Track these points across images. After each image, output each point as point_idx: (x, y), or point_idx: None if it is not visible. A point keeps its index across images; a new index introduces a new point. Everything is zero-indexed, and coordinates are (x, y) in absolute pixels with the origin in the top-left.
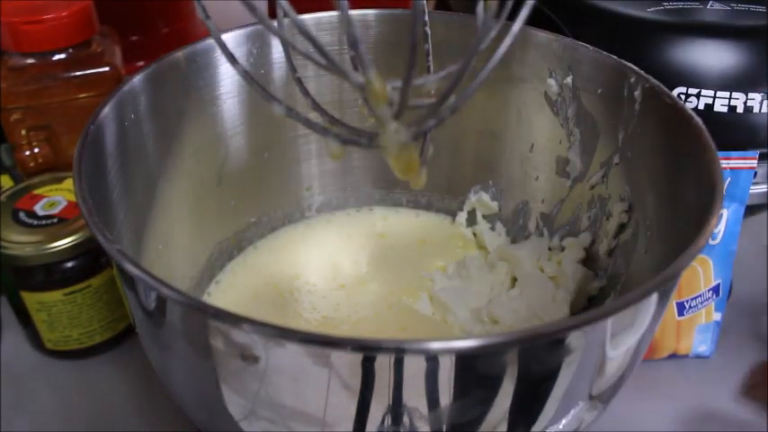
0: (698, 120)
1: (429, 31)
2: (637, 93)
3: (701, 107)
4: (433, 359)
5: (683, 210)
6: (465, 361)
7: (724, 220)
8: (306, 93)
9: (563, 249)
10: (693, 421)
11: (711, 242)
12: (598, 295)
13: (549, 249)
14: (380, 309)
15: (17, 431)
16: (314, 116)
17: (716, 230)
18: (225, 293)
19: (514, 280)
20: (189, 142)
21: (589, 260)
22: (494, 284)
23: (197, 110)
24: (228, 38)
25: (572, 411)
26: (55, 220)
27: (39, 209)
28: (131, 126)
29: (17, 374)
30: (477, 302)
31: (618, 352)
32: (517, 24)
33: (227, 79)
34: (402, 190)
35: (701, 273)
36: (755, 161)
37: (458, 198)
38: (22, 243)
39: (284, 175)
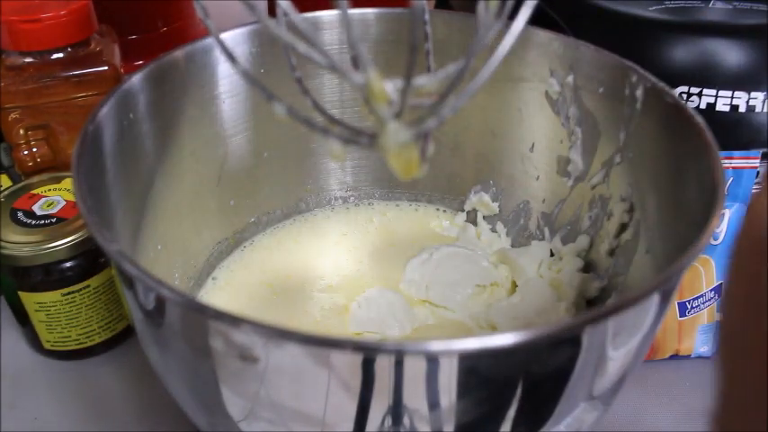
0: (700, 119)
1: (429, 31)
2: (638, 92)
3: (702, 106)
4: (433, 360)
5: (684, 210)
6: (465, 362)
7: (726, 220)
8: (305, 92)
9: (562, 258)
10: (695, 422)
11: (713, 242)
12: (599, 296)
13: (552, 255)
14: None
15: (15, 431)
16: (314, 116)
17: (718, 230)
18: (222, 291)
19: (514, 284)
20: (188, 142)
21: (590, 262)
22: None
23: (196, 109)
24: (228, 37)
25: (573, 412)
26: (53, 220)
27: (37, 209)
28: (130, 125)
29: (16, 375)
30: (477, 307)
31: (619, 352)
32: (518, 23)
33: (227, 78)
34: (402, 189)
35: (703, 273)
36: (758, 161)
37: (458, 198)
38: (20, 243)
39: (284, 175)
